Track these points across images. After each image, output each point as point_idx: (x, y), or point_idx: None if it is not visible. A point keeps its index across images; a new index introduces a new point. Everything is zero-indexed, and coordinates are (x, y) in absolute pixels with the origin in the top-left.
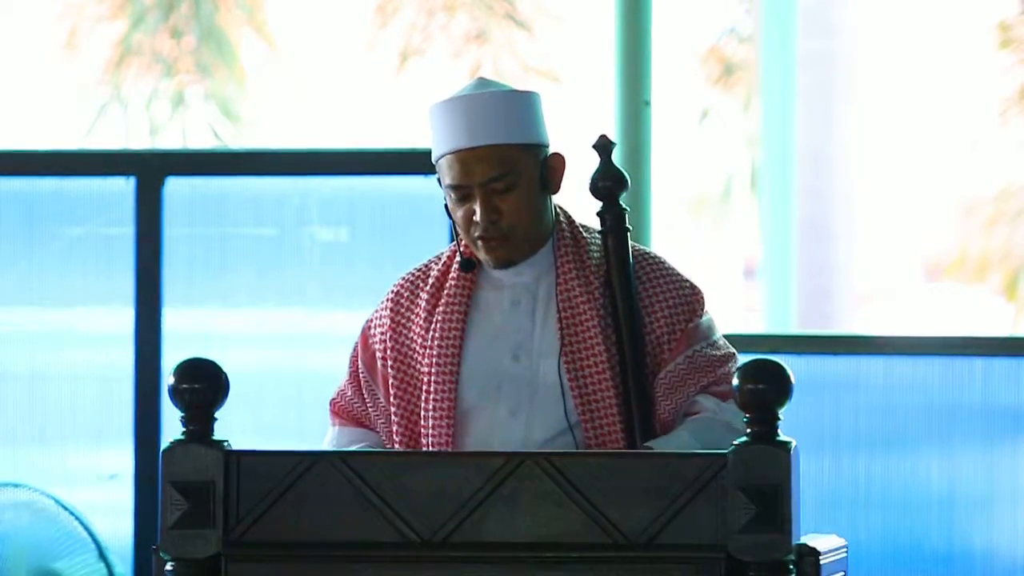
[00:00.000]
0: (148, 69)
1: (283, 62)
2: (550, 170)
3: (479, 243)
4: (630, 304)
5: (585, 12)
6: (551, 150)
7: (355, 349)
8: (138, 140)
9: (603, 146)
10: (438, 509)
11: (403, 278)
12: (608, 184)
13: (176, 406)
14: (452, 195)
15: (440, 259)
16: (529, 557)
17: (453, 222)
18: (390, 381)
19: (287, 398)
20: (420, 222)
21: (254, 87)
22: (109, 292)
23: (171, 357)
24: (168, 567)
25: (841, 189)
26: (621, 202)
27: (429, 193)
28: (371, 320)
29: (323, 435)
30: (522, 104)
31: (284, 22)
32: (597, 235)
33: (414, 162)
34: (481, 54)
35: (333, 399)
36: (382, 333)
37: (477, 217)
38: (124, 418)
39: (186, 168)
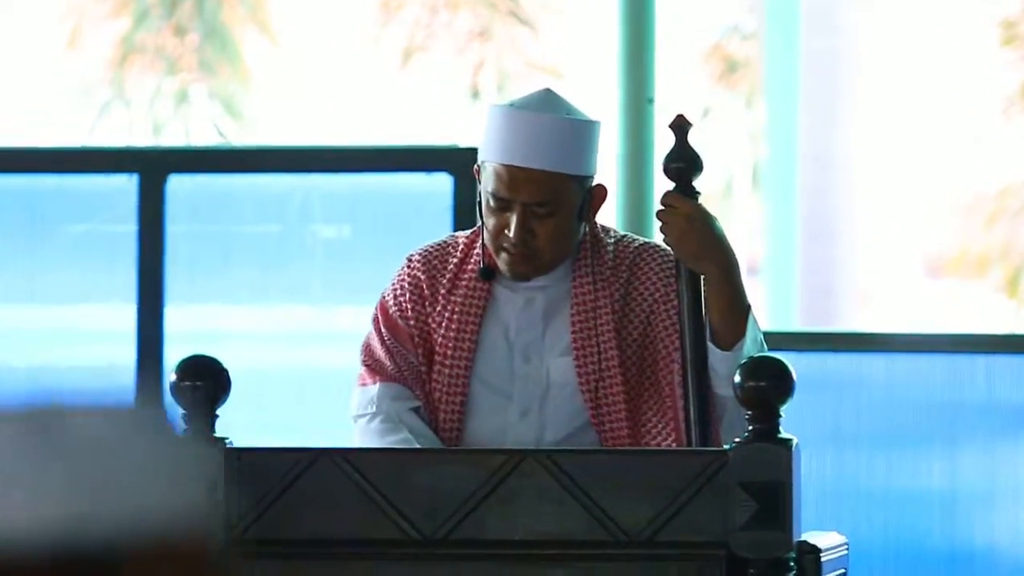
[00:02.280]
0: (151, 67)
1: (286, 59)
2: (591, 200)
3: (503, 253)
4: (693, 284)
5: (588, 9)
6: (596, 180)
7: (375, 320)
8: (141, 137)
9: (679, 126)
10: (439, 506)
11: (420, 252)
12: (681, 166)
13: (178, 403)
14: (490, 201)
15: (457, 244)
16: (530, 554)
17: (482, 221)
18: (415, 339)
19: (289, 395)
20: (423, 219)
21: (257, 84)
22: (111, 289)
23: (173, 354)
24: None
25: (844, 187)
26: (695, 185)
27: (432, 190)
28: (388, 291)
29: (332, 421)
30: (584, 134)
31: (287, 19)
32: (613, 234)
33: (417, 159)
34: (484, 51)
35: (365, 360)
36: (402, 301)
37: (510, 231)
38: None
39: (189, 165)
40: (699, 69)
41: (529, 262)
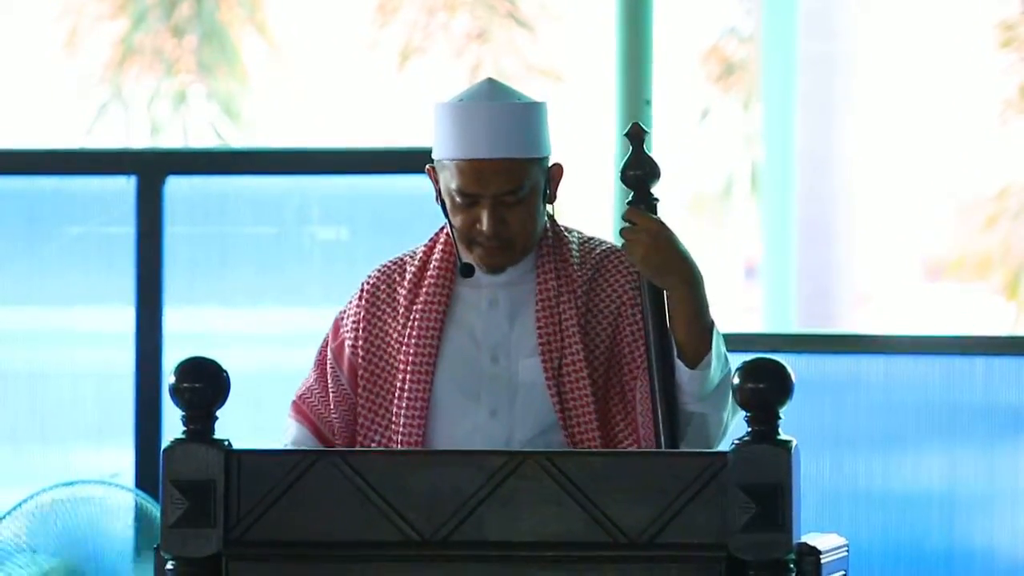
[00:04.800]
0: (149, 68)
1: (284, 61)
2: (551, 180)
3: (476, 247)
4: (656, 300)
5: (586, 11)
6: (552, 159)
7: (325, 340)
8: (139, 139)
9: (635, 134)
10: (439, 508)
11: (377, 270)
12: (638, 173)
13: (177, 405)
14: (457, 199)
15: (415, 255)
16: (529, 556)
17: (447, 219)
18: (359, 372)
19: (288, 397)
20: (420, 221)
21: (255, 86)
22: (110, 291)
23: (172, 356)
24: (169, 566)
25: (841, 188)
26: (653, 192)
27: (429, 192)
28: (343, 312)
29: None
30: (535, 116)
31: (285, 21)
32: (577, 233)
33: (415, 161)
34: (482, 53)
35: (300, 392)
36: (355, 323)
37: (482, 225)
38: (125, 417)
39: (187, 167)
40: (697, 71)
41: (504, 252)
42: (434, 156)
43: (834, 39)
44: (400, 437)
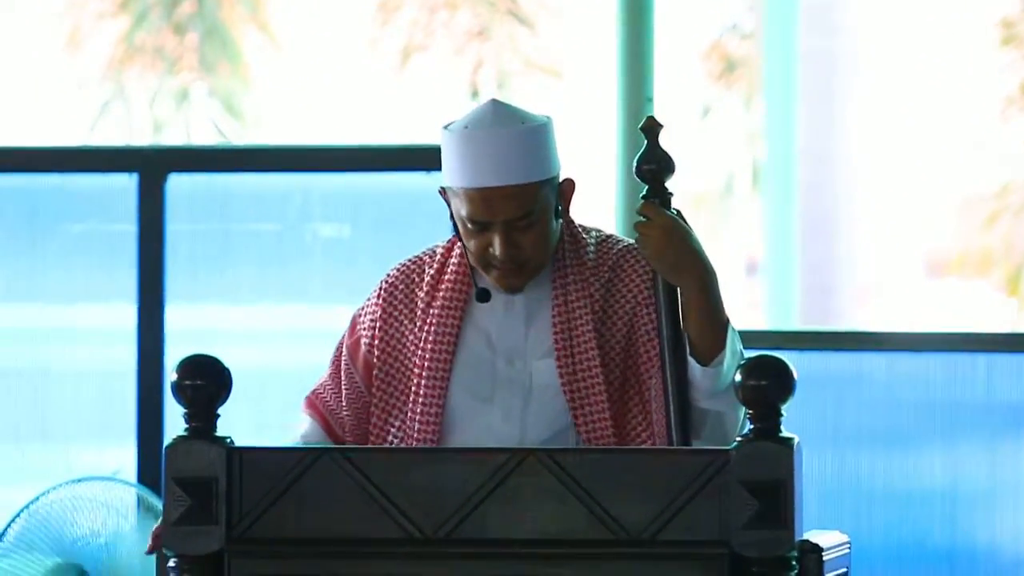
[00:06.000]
0: (151, 66)
1: (286, 59)
2: (562, 196)
3: (492, 270)
4: (670, 297)
5: (587, 8)
6: (570, 172)
7: (342, 337)
8: (141, 137)
9: (649, 128)
10: (441, 505)
11: (396, 269)
12: (652, 167)
13: (179, 402)
14: (468, 225)
15: (434, 255)
16: (532, 553)
17: (460, 241)
18: (374, 372)
19: (290, 394)
20: (422, 218)
21: (257, 84)
22: (112, 288)
23: (174, 353)
24: (171, 563)
25: (843, 185)
26: (667, 187)
27: (431, 189)
28: (362, 309)
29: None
30: (541, 137)
31: (287, 19)
32: (596, 233)
33: (416, 158)
34: (483, 51)
35: (315, 388)
36: (372, 322)
37: (495, 249)
38: (127, 414)
39: (189, 164)
40: (698, 68)
41: (519, 274)
42: (444, 182)
43: (835, 35)
44: (415, 442)
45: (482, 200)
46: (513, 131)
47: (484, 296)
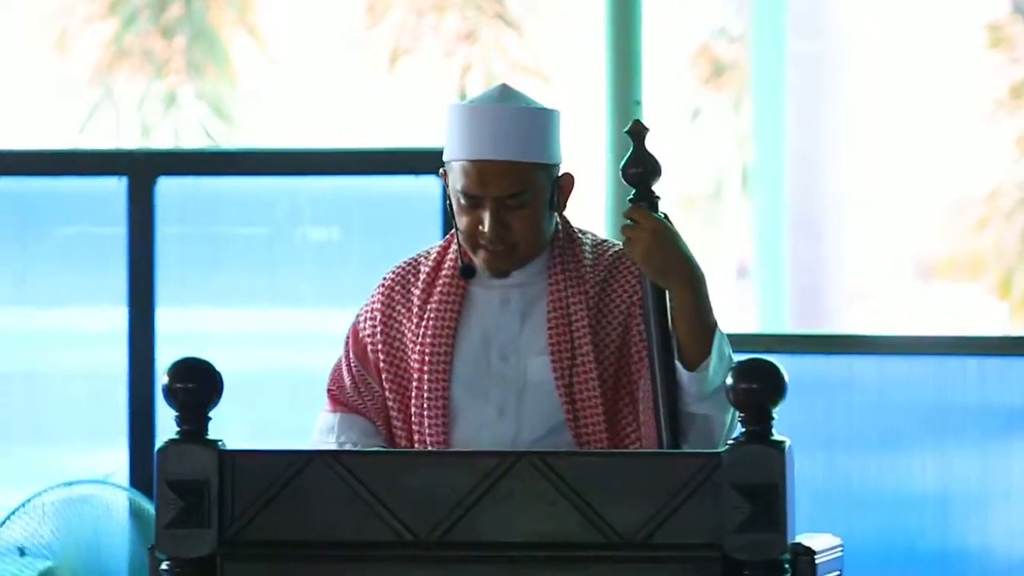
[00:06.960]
0: (139, 69)
1: (274, 62)
2: (560, 190)
3: (480, 251)
4: (659, 300)
5: (575, 12)
6: (562, 169)
7: (347, 342)
8: (130, 140)
9: (635, 131)
10: (433, 508)
11: (393, 271)
12: (639, 171)
13: (170, 406)
14: (461, 200)
15: (429, 255)
16: (524, 556)
17: (454, 222)
18: (383, 375)
19: (281, 397)
20: (411, 221)
21: (245, 87)
22: (102, 292)
23: (165, 357)
24: (163, 567)
25: (832, 188)
26: (654, 190)
27: (420, 193)
28: (362, 313)
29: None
30: (545, 122)
31: (275, 22)
32: (591, 235)
33: (405, 162)
34: (471, 54)
35: (330, 388)
36: (372, 325)
37: (484, 227)
38: (118, 418)
39: (178, 168)
40: (686, 71)
41: (506, 257)
42: (444, 158)
43: (824, 38)
44: (426, 439)
45: (476, 172)
46: (515, 108)
47: (469, 272)
